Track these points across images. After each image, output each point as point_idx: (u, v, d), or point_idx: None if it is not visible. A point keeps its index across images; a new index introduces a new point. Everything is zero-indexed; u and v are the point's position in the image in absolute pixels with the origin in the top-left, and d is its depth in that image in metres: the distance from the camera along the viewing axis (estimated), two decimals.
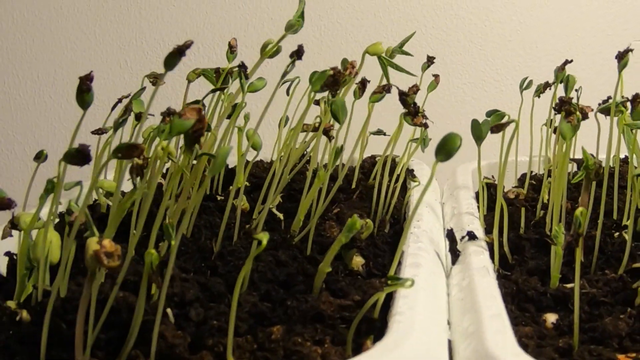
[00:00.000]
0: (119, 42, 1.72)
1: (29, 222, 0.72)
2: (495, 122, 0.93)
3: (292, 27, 0.81)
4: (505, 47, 1.70)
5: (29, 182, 0.77)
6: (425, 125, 1.00)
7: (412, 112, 0.97)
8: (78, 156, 0.62)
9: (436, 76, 1.12)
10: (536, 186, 1.17)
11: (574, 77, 1.03)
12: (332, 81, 0.80)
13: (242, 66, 0.93)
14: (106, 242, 0.51)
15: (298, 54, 0.88)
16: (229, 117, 1.00)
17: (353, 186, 1.15)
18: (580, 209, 0.67)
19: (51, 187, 0.70)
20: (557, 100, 0.89)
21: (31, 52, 1.72)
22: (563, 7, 1.66)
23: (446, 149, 0.61)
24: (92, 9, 1.70)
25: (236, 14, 1.67)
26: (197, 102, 0.90)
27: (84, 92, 0.69)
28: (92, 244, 0.51)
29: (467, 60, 1.53)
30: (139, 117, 0.96)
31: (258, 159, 1.33)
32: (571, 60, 1.03)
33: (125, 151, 0.57)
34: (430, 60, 1.11)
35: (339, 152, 0.91)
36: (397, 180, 1.13)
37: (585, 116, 0.87)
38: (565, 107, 0.85)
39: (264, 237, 0.58)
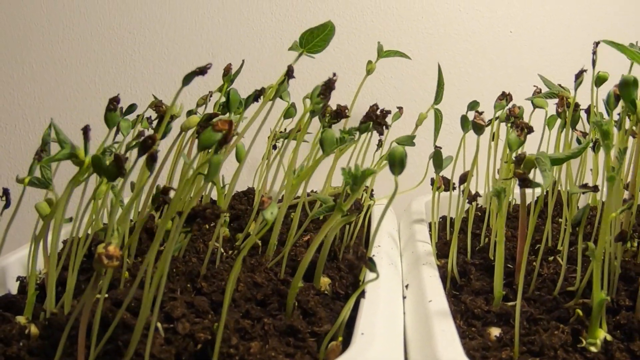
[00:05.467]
0: (115, 90, 1.72)
1: (44, 207, 0.72)
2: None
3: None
4: (453, 95, 1.72)
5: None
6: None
7: (378, 122, 0.98)
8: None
9: (400, 108, 1.14)
10: (481, 217, 1.18)
11: (503, 103, 1.05)
12: (330, 82, 0.78)
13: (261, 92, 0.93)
14: (111, 247, 0.52)
15: (288, 73, 0.87)
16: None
17: (321, 217, 1.15)
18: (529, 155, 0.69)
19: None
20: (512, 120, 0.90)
21: (39, 98, 1.71)
22: (506, 59, 1.69)
23: (395, 161, 0.62)
24: (92, 61, 1.70)
25: (222, 63, 1.67)
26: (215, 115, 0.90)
27: (110, 111, 0.70)
28: (100, 248, 0.52)
29: (421, 107, 1.55)
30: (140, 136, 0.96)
31: (237, 189, 1.33)
32: (509, 93, 1.05)
33: (143, 145, 0.59)
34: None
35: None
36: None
37: (530, 130, 0.85)
38: (516, 121, 0.85)
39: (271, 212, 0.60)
